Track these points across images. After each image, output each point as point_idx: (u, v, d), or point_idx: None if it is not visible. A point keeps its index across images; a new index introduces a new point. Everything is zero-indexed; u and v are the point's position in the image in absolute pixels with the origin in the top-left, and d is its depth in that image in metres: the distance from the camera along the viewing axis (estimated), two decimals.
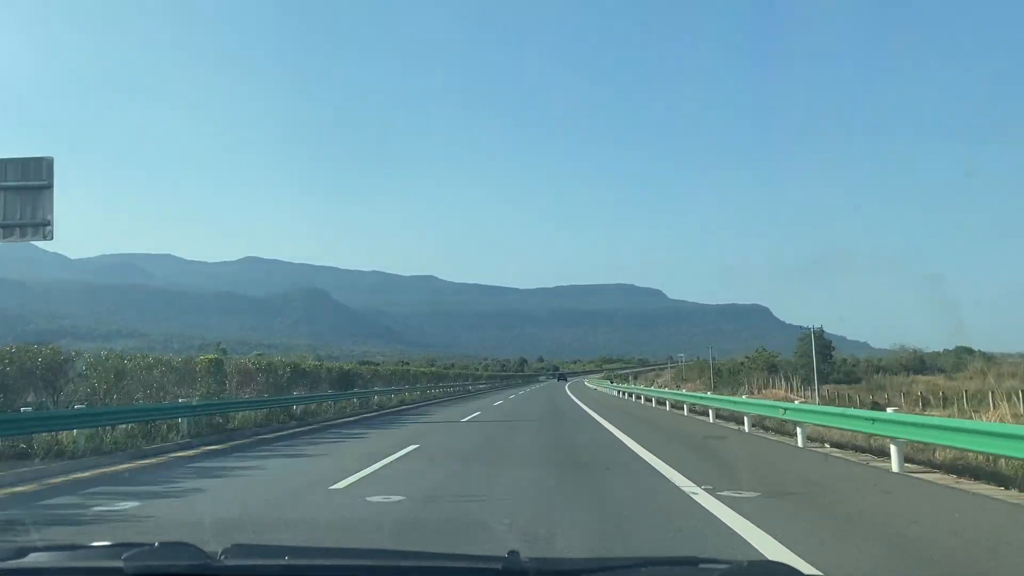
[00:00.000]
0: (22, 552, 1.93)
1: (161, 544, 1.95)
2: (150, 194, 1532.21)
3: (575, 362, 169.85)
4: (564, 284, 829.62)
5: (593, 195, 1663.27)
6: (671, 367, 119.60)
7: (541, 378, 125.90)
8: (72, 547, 2.06)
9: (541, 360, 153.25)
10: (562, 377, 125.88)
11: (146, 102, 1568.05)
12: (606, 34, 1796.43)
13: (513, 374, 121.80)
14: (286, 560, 1.92)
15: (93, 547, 2.08)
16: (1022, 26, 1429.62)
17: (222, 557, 1.83)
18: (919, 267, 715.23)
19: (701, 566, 1.95)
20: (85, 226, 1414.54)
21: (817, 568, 4.61)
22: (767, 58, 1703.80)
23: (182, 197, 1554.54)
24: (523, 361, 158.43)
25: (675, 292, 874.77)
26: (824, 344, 57.06)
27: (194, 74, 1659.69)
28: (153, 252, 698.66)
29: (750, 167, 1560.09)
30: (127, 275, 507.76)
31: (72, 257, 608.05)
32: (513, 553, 1.85)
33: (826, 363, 54.45)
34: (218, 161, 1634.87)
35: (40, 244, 14.28)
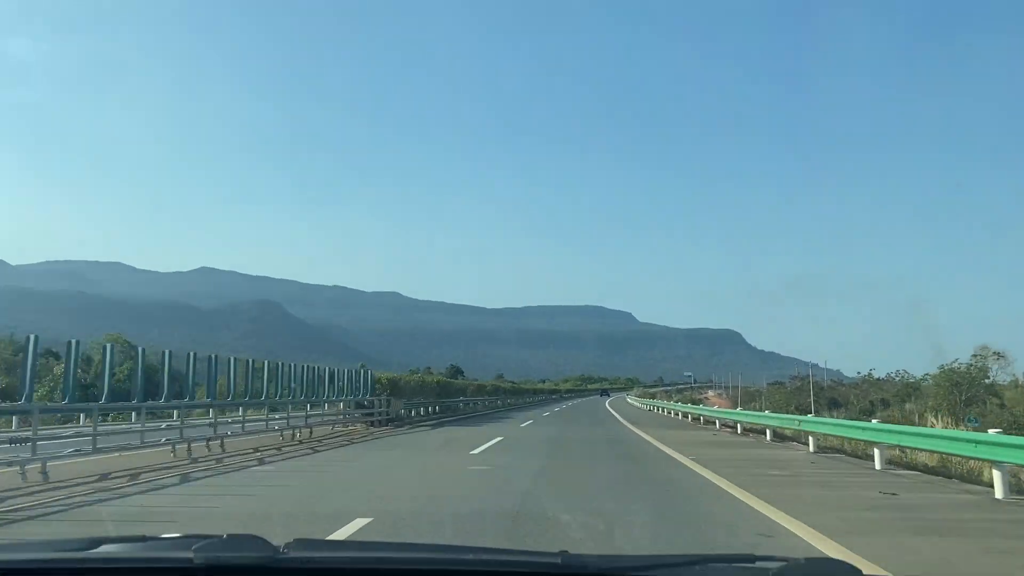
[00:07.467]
0: (95, 543, 1.97)
1: (229, 536, 1.96)
2: (103, 201, 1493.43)
3: (543, 382, 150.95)
4: (532, 304, 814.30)
5: (564, 216, 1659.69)
6: (713, 389, 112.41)
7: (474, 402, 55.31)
8: (143, 538, 2.07)
9: (500, 377, 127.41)
10: (604, 393, 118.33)
11: (116, 104, 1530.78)
12: (585, 59, 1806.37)
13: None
14: (348, 553, 1.96)
15: (164, 538, 2.10)
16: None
17: (284, 550, 1.84)
18: (896, 292, 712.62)
19: (758, 563, 1.89)
20: (31, 232, 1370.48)
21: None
22: (746, 80, 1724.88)
23: (138, 205, 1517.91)
24: (457, 371, 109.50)
25: (645, 315, 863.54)
26: None
27: (155, 78, 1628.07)
28: (102, 260, 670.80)
29: (724, 189, 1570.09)
30: (70, 283, 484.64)
31: (12, 263, 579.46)
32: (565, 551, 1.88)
33: None
34: (179, 170, 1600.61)
35: None
